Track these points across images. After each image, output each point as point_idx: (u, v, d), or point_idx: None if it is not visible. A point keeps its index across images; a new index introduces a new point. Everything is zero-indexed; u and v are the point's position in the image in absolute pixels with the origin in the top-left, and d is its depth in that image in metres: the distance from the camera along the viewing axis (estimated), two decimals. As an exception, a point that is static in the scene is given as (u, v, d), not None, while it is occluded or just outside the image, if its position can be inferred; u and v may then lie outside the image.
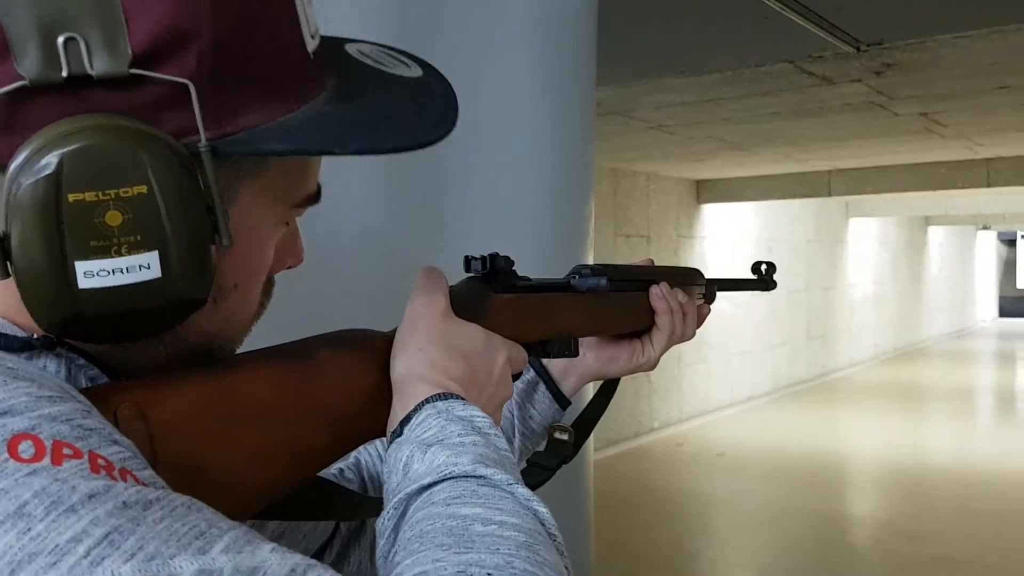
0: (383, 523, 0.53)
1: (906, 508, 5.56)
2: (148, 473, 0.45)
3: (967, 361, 12.95)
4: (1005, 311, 19.79)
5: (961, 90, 4.09)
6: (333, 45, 0.61)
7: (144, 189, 0.47)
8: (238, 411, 0.56)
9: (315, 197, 0.61)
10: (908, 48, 3.28)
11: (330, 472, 0.83)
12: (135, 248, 0.48)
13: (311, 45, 0.56)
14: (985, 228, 16.66)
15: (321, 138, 0.54)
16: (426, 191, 1.52)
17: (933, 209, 11.13)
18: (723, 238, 8.38)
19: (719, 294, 1.05)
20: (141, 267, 0.49)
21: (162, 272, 0.49)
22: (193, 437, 0.53)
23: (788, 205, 9.19)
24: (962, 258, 16.70)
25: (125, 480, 0.43)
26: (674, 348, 0.96)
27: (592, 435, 1.01)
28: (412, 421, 0.59)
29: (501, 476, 0.53)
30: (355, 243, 1.40)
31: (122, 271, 0.48)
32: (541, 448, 0.92)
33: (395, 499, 0.53)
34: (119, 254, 0.48)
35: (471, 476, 0.53)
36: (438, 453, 0.55)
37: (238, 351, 0.62)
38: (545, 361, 0.92)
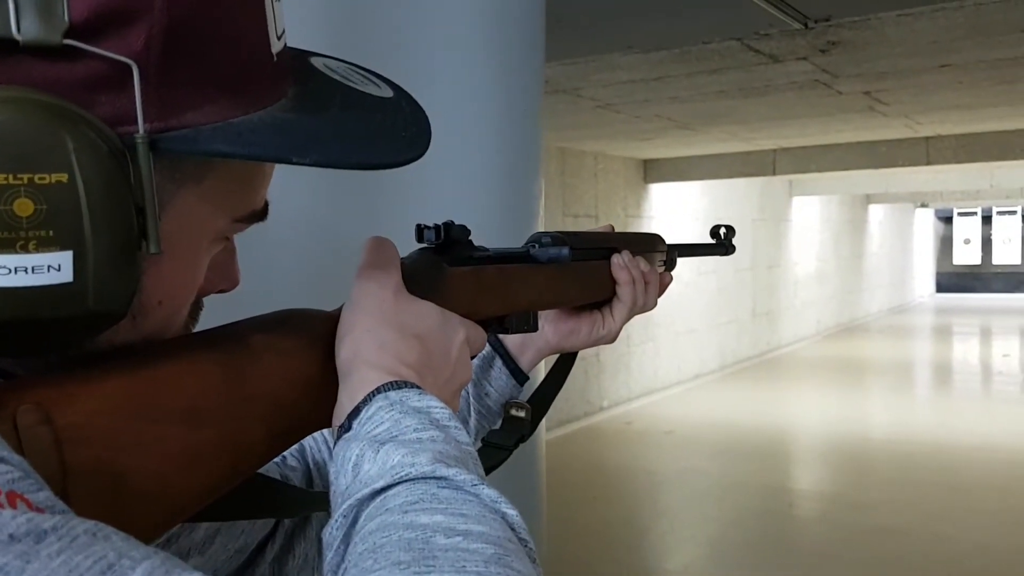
0: (331, 533, 0.47)
1: (851, 480, 5.68)
2: (44, 495, 0.38)
3: (906, 336, 13.26)
4: (942, 287, 20.30)
5: (903, 68, 4.14)
6: (298, 56, 0.56)
7: (64, 178, 0.41)
8: (162, 407, 0.49)
9: (261, 214, 0.56)
10: (853, 26, 3.30)
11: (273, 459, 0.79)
12: (45, 245, 0.42)
13: (276, 46, 0.51)
14: (923, 206, 17.03)
15: (278, 145, 0.48)
16: (370, 172, 1.47)
17: (874, 187, 11.34)
18: (670, 218, 8.43)
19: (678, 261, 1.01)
20: (50, 268, 0.42)
21: (75, 277, 0.43)
22: (111, 440, 0.47)
23: (733, 184, 9.28)
24: (901, 236, 17.07)
25: (13, 507, 0.36)
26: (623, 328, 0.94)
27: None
28: (362, 414, 0.53)
29: (464, 476, 0.47)
30: (297, 229, 1.34)
31: (26, 271, 0.41)
32: (497, 427, 0.88)
33: (344, 505, 0.47)
34: (25, 250, 0.41)
35: (430, 478, 0.47)
36: (392, 452, 0.49)
37: None
38: (501, 335, 0.87)
